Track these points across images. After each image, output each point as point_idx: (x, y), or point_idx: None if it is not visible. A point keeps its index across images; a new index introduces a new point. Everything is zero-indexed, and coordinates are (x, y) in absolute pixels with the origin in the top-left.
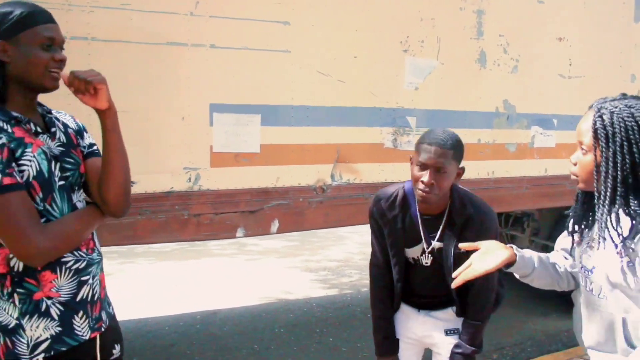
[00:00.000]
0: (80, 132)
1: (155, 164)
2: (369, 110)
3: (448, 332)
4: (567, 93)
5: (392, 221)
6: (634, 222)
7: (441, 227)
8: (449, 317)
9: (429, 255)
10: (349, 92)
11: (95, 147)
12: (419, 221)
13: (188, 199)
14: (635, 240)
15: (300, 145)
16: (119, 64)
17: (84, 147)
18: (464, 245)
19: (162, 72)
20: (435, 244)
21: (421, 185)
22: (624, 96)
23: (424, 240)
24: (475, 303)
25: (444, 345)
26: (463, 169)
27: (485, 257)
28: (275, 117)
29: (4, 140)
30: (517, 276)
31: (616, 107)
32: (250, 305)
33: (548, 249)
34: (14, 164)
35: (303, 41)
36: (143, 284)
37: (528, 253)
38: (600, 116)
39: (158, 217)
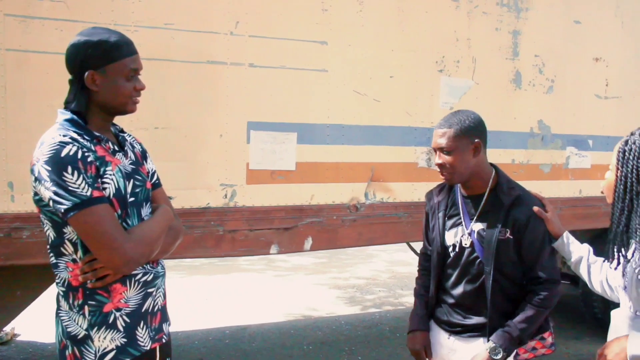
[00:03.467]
0: (144, 154)
1: (193, 180)
2: (404, 129)
3: None
4: (603, 114)
5: (437, 204)
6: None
7: (481, 205)
8: (476, 351)
9: (468, 236)
10: (384, 111)
11: (156, 177)
12: (461, 201)
13: (224, 214)
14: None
15: (335, 164)
16: (161, 82)
17: (149, 170)
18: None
19: (202, 90)
20: (475, 226)
21: (438, 169)
22: None
23: (463, 221)
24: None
25: None
26: (479, 143)
27: None
28: (311, 135)
29: (91, 158)
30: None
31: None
32: (278, 321)
33: None
34: (99, 180)
35: (340, 61)
36: (173, 297)
37: (579, 244)
38: (627, 141)
39: (194, 232)
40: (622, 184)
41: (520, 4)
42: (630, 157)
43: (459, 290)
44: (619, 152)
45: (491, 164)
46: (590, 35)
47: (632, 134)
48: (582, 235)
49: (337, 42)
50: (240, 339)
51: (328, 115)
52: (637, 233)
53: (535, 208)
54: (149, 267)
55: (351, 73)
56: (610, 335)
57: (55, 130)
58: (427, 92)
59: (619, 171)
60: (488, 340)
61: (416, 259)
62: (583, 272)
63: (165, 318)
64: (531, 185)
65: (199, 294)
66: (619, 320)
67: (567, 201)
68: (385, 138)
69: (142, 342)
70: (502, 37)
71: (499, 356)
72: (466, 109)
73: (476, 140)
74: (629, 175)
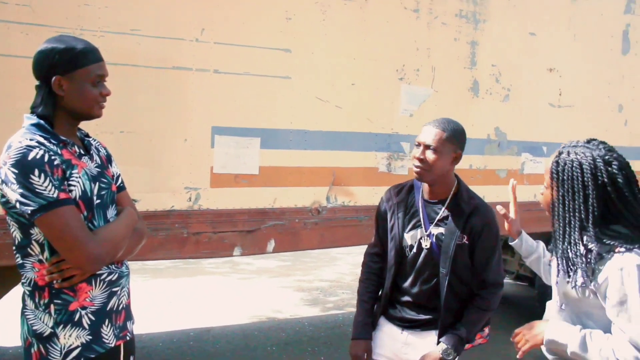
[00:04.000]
0: (109, 157)
1: (158, 183)
2: (365, 135)
3: None
4: (557, 122)
5: (396, 205)
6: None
7: (441, 212)
8: (429, 345)
9: (427, 238)
10: (346, 117)
11: (121, 180)
12: (421, 204)
13: (188, 217)
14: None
15: (298, 168)
16: (127, 87)
17: (114, 173)
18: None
19: (167, 95)
20: (434, 229)
21: (415, 162)
22: (588, 141)
23: (422, 224)
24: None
25: None
26: (460, 154)
27: None
28: (274, 140)
29: (58, 161)
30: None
31: (572, 154)
32: (242, 323)
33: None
34: (65, 183)
35: (303, 68)
36: (138, 300)
37: (534, 243)
38: (557, 161)
39: (159, 234)
40: (560, 204)
41: (478, 16)
42: (565, 178)
43: (414, 289)
44: (552, 172)
45: (454, 174)
46: (544, 46)
47: (560, 152)
48: (537, 238)
49: (301, 50)
50: (204, 341)
51: (291, 120)
52: (573, 247)
53: (499, 207)
54: (113, 267)
55: (314, 80)
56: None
57: (21, 135)
58: (387, 100)
59: (554, 192)
60: (439, 335)
61: None
62: (538, 269)
63: (129, 316)
64: (488, 190)
65: (163, 297)
66: (551, 310)
67: (523, 205)
68: (346, 143)
69: (107, 339)
70: (460, 47)
71: (450, 357)
72: (426, 116)
73: (458, 152)
74: (566, 195)
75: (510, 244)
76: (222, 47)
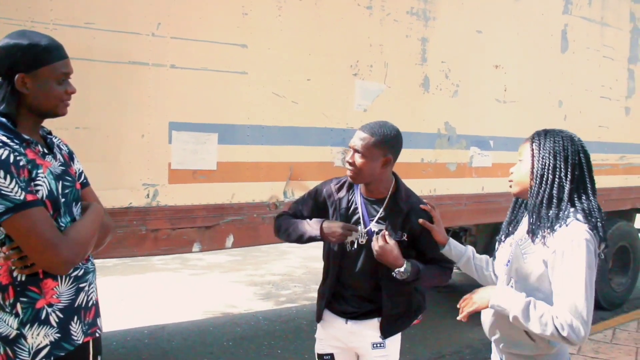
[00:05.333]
0: (71, 155)
1: (115, 180)
2: (321, 130)
3: (375, 346)
4: (503, 116)
5: (338, 202)
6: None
7: (381, 210)
8: (374, 329)
9: (365, 235)
10: (302, 112)
11: (84, 177)
12: (361, 202)
13: (146, 214)
14: (552, 233)
15: (255, 163)
16: (82, 82)
17: (77, 170)
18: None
19: (123, 90)
20: (374, 227)
21: (347, 165)
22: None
23: (361, 220)
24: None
25: (371, 358)
26: (389, 159)
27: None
28: (231, 135)
29: (23, 161)
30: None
31: (558, 133)
32: (197, 319)
33: None
34: (32, 184)
35: (259, 63)
36: None
37: (463, 247)
38: (545, 134)
39: (116, 232)
40: (550, 172)
41: (428, 14)
42: (558, 150)
43: (355, 283)
44: (540, 143)
45: (393, 173)
46: (490, 44)
47: (546, 132)
48: (485, 229)
49: (257, 46)
50: (159, 338)
51: (248, 116)
52: (548, 209)
53: (421, 220)
54: (79, 264)
55: (270, 75)
56: (483, 315)
57: None
58: (342, 95)
59: (541, 161)
60: (381, 322)
61: None
62: (471, 270)
63: (98, 313)
64: (439, 183)
65: (113, 295)
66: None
67: (472, 197)
68: (303, 138)
69: (76, 336)
70: (411, 43)
71: (403, 276)
72: (379, 111)
73: (388, 156)
74: (557, 165)
75: (440, 252)
76: (179, 42)
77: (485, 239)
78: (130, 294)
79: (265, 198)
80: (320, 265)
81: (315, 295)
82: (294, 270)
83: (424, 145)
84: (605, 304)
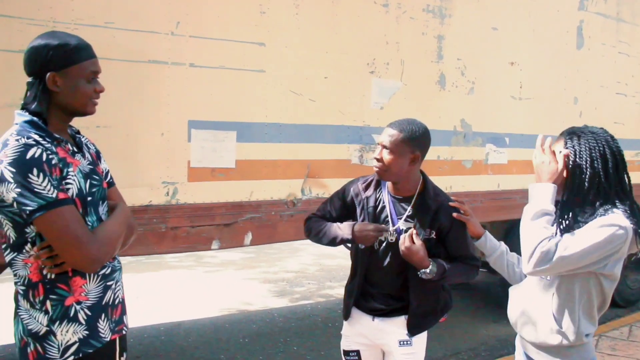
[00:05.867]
0: (98, 154)
1: (135, 178)
2: (338, 128)
3: (401, 343)
4: (518, 113)
5: (365, 200)
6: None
7: (410, 208)
8: (401, 327)
9: (394, 233)
10: (319, 110)
11: (110, 176)
12: (389, 200)
13: (166, 212)
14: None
15: (273, 161)
16: (102, 80)
17: (104, 170)
18: (454, 204)
19: (143, 89)
20: (403, 225)
21: (374, 162)
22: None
23: (389, 219)
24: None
25: (398, 356)
26: (417, 156)
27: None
28: (250, 133)
29: (55, 160)
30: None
31: (590, 134)
32: (212, 316)
33: None
34: (63, 182)
35: (277, 62)
36: None
37: (497, 242)
38: (579, 135)
39: (136, 230)
40: (590, 169)
41: (444, 11)
42: (598, 154)
43: (383, 281)
44: (565, 142)
45: (420, 171)
46: (506, 40)
47: (582, 131)
48: (500, 225)
49: (274, 44)
50: (175, 335)
51: (266, 114)
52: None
53: (455, 214)
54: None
55: (288, 73)
56: (510, 308)
57: (16, 132)
58: (359, 93)
59: (577, 160)
60: (408, 320)
61: (345, 252)
62: (502, 266)
63: (125, 310)
64: (455, 180)
65: (129, 292)
66: (515, 292)
67: (487, 194)
68: (320, 136)
69: (104, 333)
70: (428, 41)
71: (431, 274)
72: (396, 108)
73: (416, 153)
74: (595, 165)
75: (474, 243)
76: (198, 41)
77: (501, 236)
78: (146, 292)
79: (283, 196)
80: (333, 262)
81: (329, 292)
82: (307, 268)
83: (440, 143)
84: (621, 301)
